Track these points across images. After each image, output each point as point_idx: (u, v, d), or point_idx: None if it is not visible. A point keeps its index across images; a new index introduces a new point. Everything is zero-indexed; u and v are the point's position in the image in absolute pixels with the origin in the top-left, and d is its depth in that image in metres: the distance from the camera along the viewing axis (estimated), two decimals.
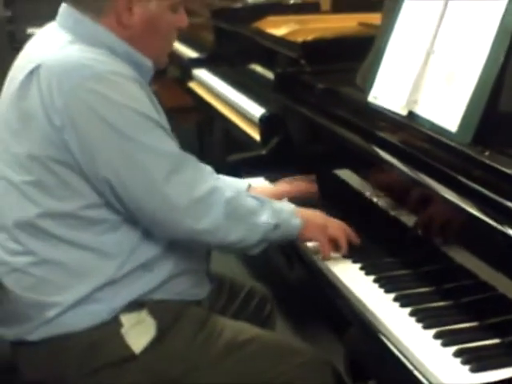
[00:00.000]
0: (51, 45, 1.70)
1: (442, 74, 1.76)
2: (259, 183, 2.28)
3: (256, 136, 3.00)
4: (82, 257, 1.68)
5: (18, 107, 1.66)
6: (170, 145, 1.69)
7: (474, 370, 1.37)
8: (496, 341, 1.45)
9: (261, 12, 3.72)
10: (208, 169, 1.82)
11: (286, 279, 2.42)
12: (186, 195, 1.65)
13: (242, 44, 3.66)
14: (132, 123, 1.62)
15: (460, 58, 1.71)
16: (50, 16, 1.81)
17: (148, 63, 1.77)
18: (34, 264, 1.68)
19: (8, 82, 1.75)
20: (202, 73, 3.92)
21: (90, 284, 1.68)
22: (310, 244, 1.90)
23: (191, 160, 1.74)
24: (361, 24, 3.35)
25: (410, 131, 1.82)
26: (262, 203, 1.78)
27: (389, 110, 1.91)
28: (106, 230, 1.68)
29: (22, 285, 1.69)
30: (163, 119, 1.72)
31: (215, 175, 1.86)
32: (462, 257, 1.64)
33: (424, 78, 1.82)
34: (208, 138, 4.77)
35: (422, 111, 1.81)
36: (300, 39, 3.03)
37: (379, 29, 2.11)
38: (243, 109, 3.21)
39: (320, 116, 2.18)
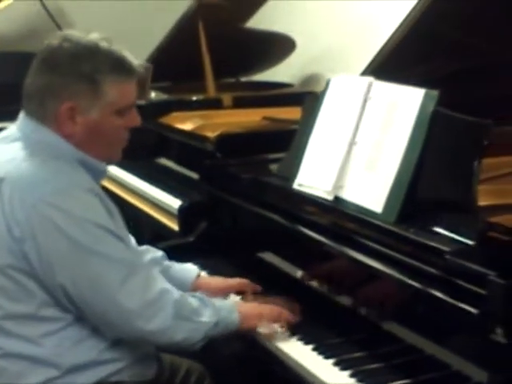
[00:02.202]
0: (12, 157, 1.79)
1: (365, 162, 1.99)
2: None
3: (173, 226, 3.14)
4: (40, 350, 1.78)
5: None
6: (124, 252, 1.80)
7: None
8: None
9: (165, 108, 3.92)
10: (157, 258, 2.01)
11: (218, 356, 2.55)
12: (139, 299, 1.77)
13: (150, 139, 3.82)
14: (89, 235, 1.74)
15: (381, 148, 1.95)
16: None
17: (102, 166, 1.88)
18: None
19: None
20: (111, 168, 4.03)
21: (49, 373, 1.78)
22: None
23: (143, 264, 1.88)
24: (265, 118, 3.61)
25: (336, 214, 2.03)
26: (204, 303, 1.90)
27: (315, 196, 2.12)
28: (59, 326, 1.79)
29: None
30: (118, 224, 1.85)
31: (166, 262, 2.08)
32: (388, 322, 1.85)
33: (348, 165, 2.04)
34: None
35: (347, 195, 2.02)
36: (209, 133, 3.25)
37: (300, 122, 2.33)
38: (159, 201, 3.34)
39: (249, 204, 2.37)
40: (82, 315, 1.79)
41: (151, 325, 1.78)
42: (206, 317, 1.87)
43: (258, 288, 2.22)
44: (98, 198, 1.79)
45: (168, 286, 1.86)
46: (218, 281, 2.25)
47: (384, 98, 1.99)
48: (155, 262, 2.18)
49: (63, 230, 1.71)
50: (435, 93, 1.85)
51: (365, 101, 2.04)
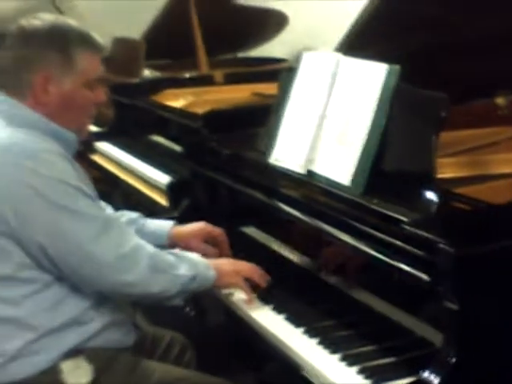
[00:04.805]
0: None
1: (335, 136, 2.04)
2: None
3: (162, 201, 3.21)
4: (18, 312, 1.85)
5: None
6: (96, 209, 1.91)
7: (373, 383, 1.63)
8: (392, 359, 1.71)
9: (158, 86, 3.97)
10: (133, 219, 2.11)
11: (201, 327, 2.63)
12: (113, 253, 1.86)
13: (142, 117, 3.88)
14: (61, 193, 1.83)
15: (349, 122, 1.99)
16: None
17: (72, 137, 1.97)
18: None
19: None
20: (104, 145, 4.10)
21: (27, 336, 1.85)
22: (228, 294, 2.11)
23: (115, 221, 1.96)
24: (255, 94, 3.66)
25: (309, 187, 2.08)
26: (180, 258, 1.99)
27: (289, 170, 2.17)
28: (38, 288, 1.86)
29: None
30: (89, 187, 1.94)
31: (141, 221, 2.16)
32: (358, 292, 1.92)
33: (319, 139, 2.08)
34: None
35: (318, 169, 2.07)
36: (199, 110, 3.30)
37: (276, 98, 2.37)
38: (149, 177, 3.42)
39: (227, 178, 2.43)
40: (60, 274, 1.86)
41: (128, 276, 1.86)
42: (183, 270, 1.95)
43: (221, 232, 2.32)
44: (69, 162, 1.89)
45: (142, 242, 1.95)
46: (189, 226, 2.34)
47: (351, 74, 2.03)
48: (131, 222, 2.26)
49: (36, 190, 1.80)
50: (397, 67, 1.89)
51: (334, 76, 2.08)
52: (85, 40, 1.95)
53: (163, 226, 2.30)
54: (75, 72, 1.92)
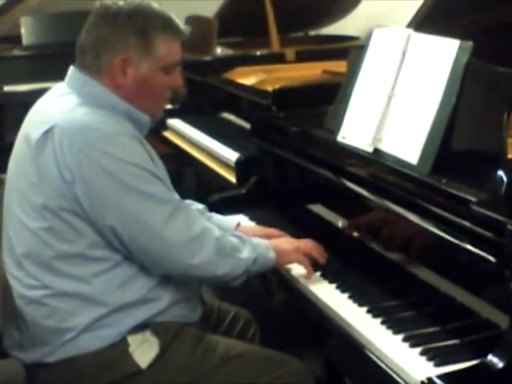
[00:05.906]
0: (62, 107, 1.92)
1: (403, 114, 2.01)
2: (244, 222, 2.48)
3: (231, 178, 3.23)
4: (90, 289, 1.89)
5: (35, 163, 1.88)
6: (167, 193, 1.92)
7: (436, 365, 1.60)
8: (456, 341, 1.68)
9: (230, 63, 3.98)
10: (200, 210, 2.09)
11: (265, 304, 2.65)
12: (183, 235, 1.88)
13: (214, 94, 3.91)
14: (133, 175, 1.85)
15: (418, 100, 1.96)
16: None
17: (146, 119, 1.99)
18: (49, 296, 1.89)
19: (23, 137, 1.96)
20: (176, 122, 4.13)
21: (98, 311, 1.89)
22: (293, 273, 2.12)
23: (185, 204, 1.99)
24: (325, 72, 3.63)
25: (376, 166, 2.06)
26: (243, 240, 2.01)
27: (356, 148, 2.15)
28: (108, 266, 1.90)
29: (40, 314, 1.90)
30: (160, 169, 1.96)
31: (208, 213, 2.13)
32: (423, 271, 1.90)
33: (387, 118, 2.07)
34: (179, 185, 4.92)
35: (386, 147, 2.05)
36: (269, 87, 3.29)
37: (345, 76, 2.35)
38: (218, 154, 3.44)
39: (294, 156, 2.42)
40: (129, 254, 1.89)
41: (195, 259, 1.89)
42: (246, 253, 1.97)
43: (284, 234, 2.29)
44: (142, 144, 1.90)
45: (209, 224, 1.98)
46: (256, 228, 2.35)
47: (421, 50, 2.00)
48: (198, 212, 2.25)
49: (109, 172, 1.82)
50: (469, 44, 1.85)
51: (403, 53, 2.05)
52: (166, 25, 1.95)
53: (230, 221, 2.32)
54: (153, 57, 1.94)
